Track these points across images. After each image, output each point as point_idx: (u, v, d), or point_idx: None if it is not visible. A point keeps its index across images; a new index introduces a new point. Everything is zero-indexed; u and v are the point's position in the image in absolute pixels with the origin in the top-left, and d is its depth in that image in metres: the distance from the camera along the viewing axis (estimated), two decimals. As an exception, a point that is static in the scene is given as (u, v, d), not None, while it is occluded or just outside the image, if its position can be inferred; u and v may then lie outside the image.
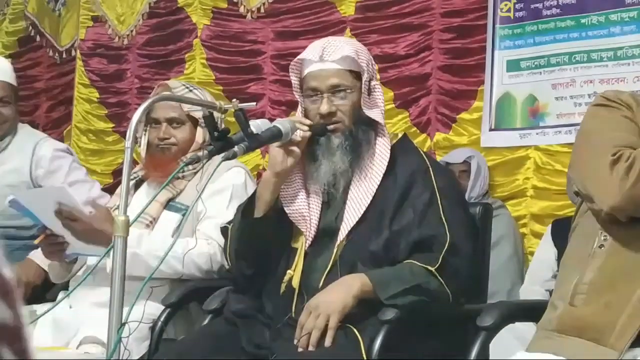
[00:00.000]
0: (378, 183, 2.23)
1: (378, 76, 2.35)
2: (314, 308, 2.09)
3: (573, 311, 1.86)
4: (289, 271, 2.27)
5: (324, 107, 2.24)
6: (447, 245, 2.14)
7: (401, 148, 2.32)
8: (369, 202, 2.22)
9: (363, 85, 2.25)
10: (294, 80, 2.35)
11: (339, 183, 2.28)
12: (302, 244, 2.29)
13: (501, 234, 4.04)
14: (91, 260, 2.71)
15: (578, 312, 1.85)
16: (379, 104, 2.29)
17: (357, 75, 2.27)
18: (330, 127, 2.25)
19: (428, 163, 2.29)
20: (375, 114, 2.26)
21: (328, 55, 2.27)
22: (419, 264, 2.13)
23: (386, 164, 2.24)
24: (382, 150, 2.27)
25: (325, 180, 2.26)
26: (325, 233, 2.27)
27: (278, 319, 2.23)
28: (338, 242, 2.23)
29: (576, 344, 1.83)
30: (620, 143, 1.85)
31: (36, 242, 2.63)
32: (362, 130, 2.25)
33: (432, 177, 2.24)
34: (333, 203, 2.31)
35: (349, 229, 2.22)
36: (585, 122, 2.01)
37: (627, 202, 1.80)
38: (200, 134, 2.80)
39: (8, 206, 2.64)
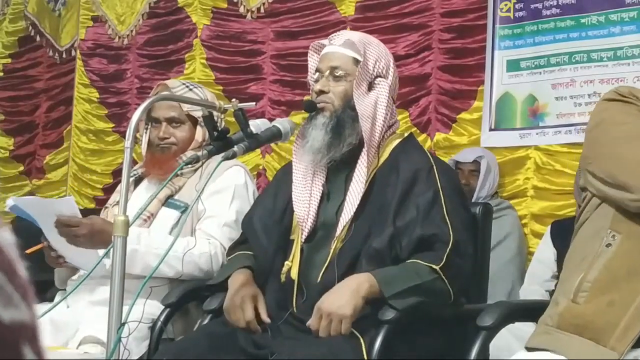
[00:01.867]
0: (365, 177, 2.25)
1: (390, 79, 2.33)
2: (326, 314, 2.08)
3: (574, 308, 1.84)
4: (286, 262, 2.29)
5: (318, 86, 2.31)
6: (450, 244, 2.14)
7: (406, 146, 2.33)
8: (360, 196, 2.23)
9: (359, 72, 2.27)
10: (311, 63, 2.41)
11: (338, 172, 2.29)
12: (298, 236, 2.30)
13: (507, 232, 4.03)
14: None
15: (579, 309, 1.83)
16: (378, 103, 2.28)
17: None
18: (320, 105, 2.30)
19: (432, 162, 2.29)
20: (363, 106, 2.26)
21: (336, 40, 2.35)
22: (423, 262, 2.13)
23: (363, 159, 2.26)
24: (384, 145, 2.30)
25: (307, 158, 2.29)
26: (325, 226, 2.28)
27: (278, 314, 2.24)
28: (336, 236, 2.23)
29: (575, 342, 1.81)
30: None
31: (28, 251, 2.62)
32: (349, 116, 2.26)
33: (436, 176, 2.24)
34: (334, 196, 2.31)
35: (344, 223, 2.23)
36: (598, 114, 1.97)
37: None
38: (200, 133, 2.80)
39: (8, 209, 2.65)
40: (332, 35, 2.39)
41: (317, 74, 2.34)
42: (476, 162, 4.24)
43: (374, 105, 2.27)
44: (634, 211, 1.83)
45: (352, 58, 2.30)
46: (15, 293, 0.50)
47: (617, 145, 1.88)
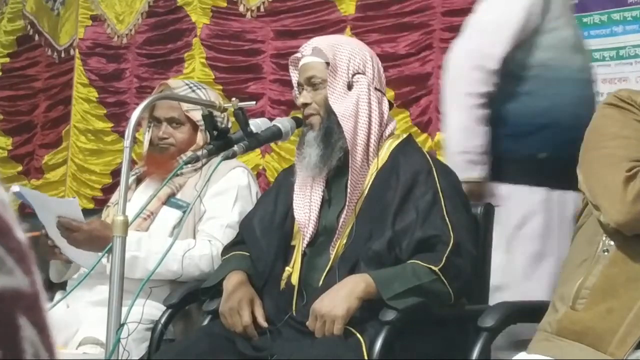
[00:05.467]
0: (363, 180, 2.26)
1: (370, 73, 2.32)
2: (319, 316, 2.09)
3: (573, 315, 1.84)
4: (287, 268, 2.29)
5: (300, 99, 2.34)
6: (451, 245, 2.13)
7: (405, 148, 2.33)
8: (357, 200, 2.24)
9: (329, 74, 2.27)
10: (293, 79, 2.42)
11: (338, 179, 2.28)
12: (299, 242, 2.29)
13: None
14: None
15: (578, 316, 1.83)
16: (360, 100, 2.28)
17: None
18: (307, 121, 2.32)
19: (432, 163, 2.28)
20: (342, 107, 2.26)
21: (306, 50, 2.36)
22: (422, 263, 2.12)
23: (354, 160, 2.25)
24: (379, 148, 2.30)
25: (306, 173, 2.30)
26: (326, 231, 2.28)
27: (278, 317, 2.22)
28: (336, 240, 2.23)
29: (575, 349, 1.81)
30: (635, 156, 1.83)
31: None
32: (334, 121, 2.27)
33: (436, 177, 2.24)
34: (335, 201, 2.30)
35: (344, 228, 2.23)
36: (596, 121, 1.98)
37: (636, 222, 1.79)
38: (201, 137, 2.78)
39: (12, 193, 2.67)
40: (302, 46, 2.40)
41: (299, 87, 2.36)
42: None
43: (355, 104, 2.28)
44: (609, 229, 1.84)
45: (324, 63, 2.31)
46: (8, 257, 0.45)
47: (602, 165, 1.88)
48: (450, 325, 2.26)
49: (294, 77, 2.42)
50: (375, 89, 2.32)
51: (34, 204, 2.62)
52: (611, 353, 1.77)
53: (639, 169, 1.80)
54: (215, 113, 2.35)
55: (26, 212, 3.25)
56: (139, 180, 2.88)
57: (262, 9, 5.29)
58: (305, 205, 2.30)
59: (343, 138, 2.25)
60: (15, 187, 2.67)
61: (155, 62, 5.80)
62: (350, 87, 2.29)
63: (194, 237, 2.70)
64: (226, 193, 2.73)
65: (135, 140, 2.73)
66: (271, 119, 2.30)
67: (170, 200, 2.75)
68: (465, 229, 2.21)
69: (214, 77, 5.47)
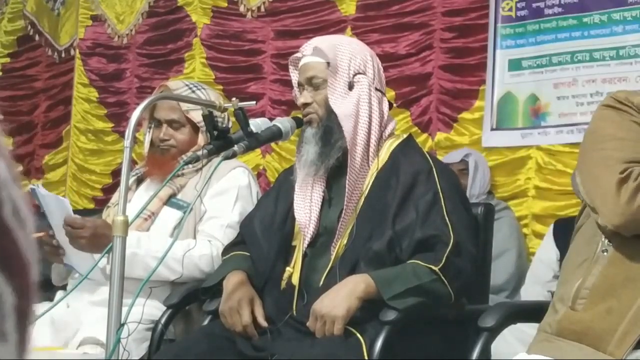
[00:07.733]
0: (362, 180, 2.26)
1: (370, 73, 2.32)
2: (320, 316, 2.09)
3: (573, 315, 1.84)
4: (288, 268, 2.29)
5: (300, 99, 2.34)
6: (451, 245, 2.13)
7: (405, 148, 2.33)
8: (356, 200, 2.24)
9: (330, 74, 2.27)
10: (293, 79, 2.43)
11: (336, 179, 2.28)
12: (300, 242, 2.29)
13: (505, 248, 3.99)
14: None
15: (578, 316, 1.84)
16: (360, 100, 2.28)
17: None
18: (306, 118, 2.32)
19: (432, 163, 2.28)
20: (342, 107, 2.26)
21: (306, 50, 2.36)
22: (422, 263, 2.12)
23: (353, 160, 2.25)
24: (379, 148, 2.29)
25: (304, 171, 2.30)
26: (327, 231, 2.28)
27: (279, 317, 2.22)
28: (337, 241, 2.22)
29: (575, 349, 1.82)
30: (630, 157, 1.83)
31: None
32: (334, 121, 2.27)
33: (436, 177, 2.24)
34: (336, 201, 2.30)
35: (344, 228, 2.23)
36: (593, 123, 1.98)
37: (632, 223, 1.79)
38: (202, 138, 2.78)
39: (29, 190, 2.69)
40: (303, 46, 2.41)
41: (300, 87, 2.37)
42: (464, 161, 4.22)
43: (355, 104, 2.28)
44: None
45: (324, 63, 2.31)
46: None
47: (598, 166, 1.88)
48: (451, 325, 2.26)
49: (294, 77, 2.42)
50: (376, 89, 2.32)
51: (45, 205, 2.63)
52: (610, 352, 1.77)
53: (632, 170, 1.80)
54: (216, 113, 2.35)
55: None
56: (139, 181, 2.88)
57: (262, 9, 5.29)
58: (306, 206, 2.30)
59: (343, 138, 2.25)
60: (33, 185, 2.69)
61: (156, 62, 5.79)
62: (351, 87, 2.29)
63: (195, 238, 2.70)
64: (226, 193, 2.73)
65: (135, 140, 2.73)
66: (271, 119, 2.30)
67: (171, 201, 2.74)
68: (465, 228, 2.22)
69: (214, 77, 5.46)
